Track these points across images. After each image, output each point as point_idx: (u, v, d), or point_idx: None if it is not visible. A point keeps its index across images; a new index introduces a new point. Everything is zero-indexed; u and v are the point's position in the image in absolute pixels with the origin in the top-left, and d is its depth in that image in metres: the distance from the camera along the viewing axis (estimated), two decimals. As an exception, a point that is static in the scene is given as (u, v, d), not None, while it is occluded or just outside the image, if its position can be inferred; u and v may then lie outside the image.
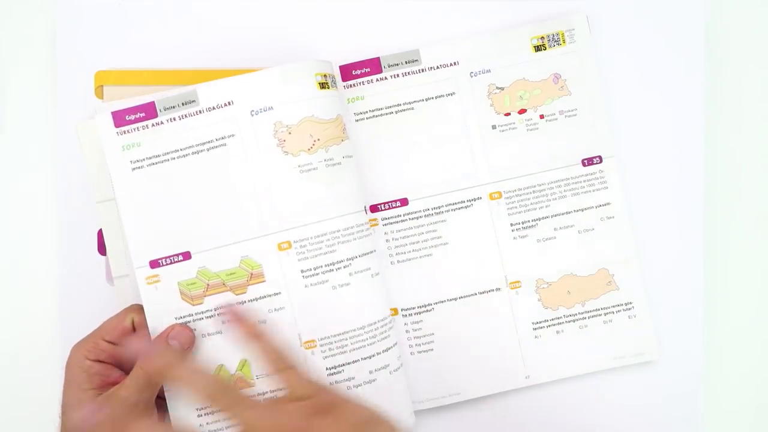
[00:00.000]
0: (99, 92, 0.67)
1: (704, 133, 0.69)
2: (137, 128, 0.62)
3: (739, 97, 0.71)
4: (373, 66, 0.67)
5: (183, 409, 0.62)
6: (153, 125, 0.62)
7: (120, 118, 0.62)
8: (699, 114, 0.68)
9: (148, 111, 0.62)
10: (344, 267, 0.62)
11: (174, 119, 0.62)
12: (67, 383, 0.59)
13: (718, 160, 0.70)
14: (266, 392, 0.62)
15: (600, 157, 0.67)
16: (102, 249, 0.66)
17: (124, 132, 0.62)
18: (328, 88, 0.63)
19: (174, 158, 0.62)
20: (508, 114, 0.67)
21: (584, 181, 0.67)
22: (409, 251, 0.67)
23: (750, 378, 0.71)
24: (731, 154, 0.71)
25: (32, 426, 0.67)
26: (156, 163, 0.62)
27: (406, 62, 0.67)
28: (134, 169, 0.62)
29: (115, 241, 0.64)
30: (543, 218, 0.67)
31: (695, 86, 0.68)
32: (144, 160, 0.62)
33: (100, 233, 0.66)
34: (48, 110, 0.68)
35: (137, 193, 0.62)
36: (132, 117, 0.62)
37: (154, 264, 0.62)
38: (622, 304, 0.68)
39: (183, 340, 0.60)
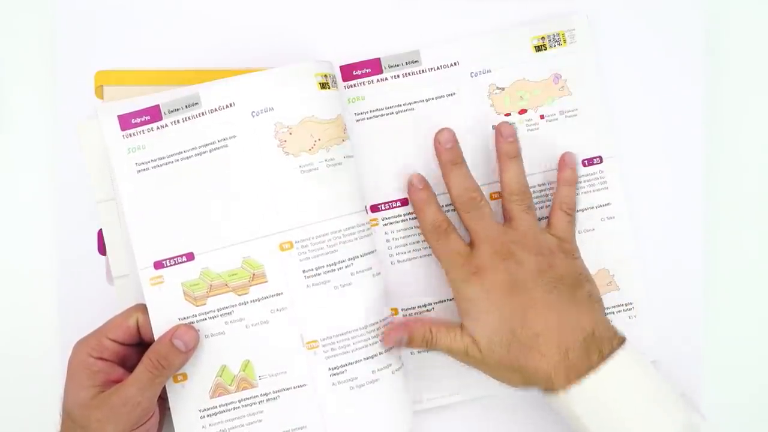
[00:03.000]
0: (99, 92, 0.67)
1: (704, 133, 0.69)
2: (142, 131, 0.62)
3: (740, 96, 0.71)
4: (374, 66, 0.67)
5: (185, 410, 0.62)
6: (157, 128, 0.62)
7: (126, 122, 0.62)
8: (699, 114, 0.69)
9: (153, 114, 0.62)
10: (346, 267, 0.62)
11: (178, 121, 0.62)
12: (69, 380, 0.59)
13: (718, 160, 0.70)
14: (269, 393, 0.62)
15: (600, 158, 0.67)
16: (102, 249, 0.66)
17: (130, 135, 0.62)
18: (329, 88, 0.63)
19: (178, 160, 0.62)
20: (508, 114, 0.67)
21: (585, 182, 0.67)
22: (409, 251, 0.67)
23: (750, 378, 0.71)
24: (731, 154, 0.71)
25: (32, 425, 0.67)
26: (160, 165, 0.62)
27: (406, 63, 0.67)
28: (139, 171, 0.62)
29: (115, 241, 0.64)
30: (543, 218, 0.67)
31: (695, 86, 0.69)
32: (149, 162, 0.62)
33: (100, 233, 0.66)
34: (48, 110, 0.68)
35: (142, 195, 0.62)
36: (138, 120, 0.62)
37: (159, 265, 0.62)
38: (622, 304, 0.68)
39: (187, 339, 0.60)
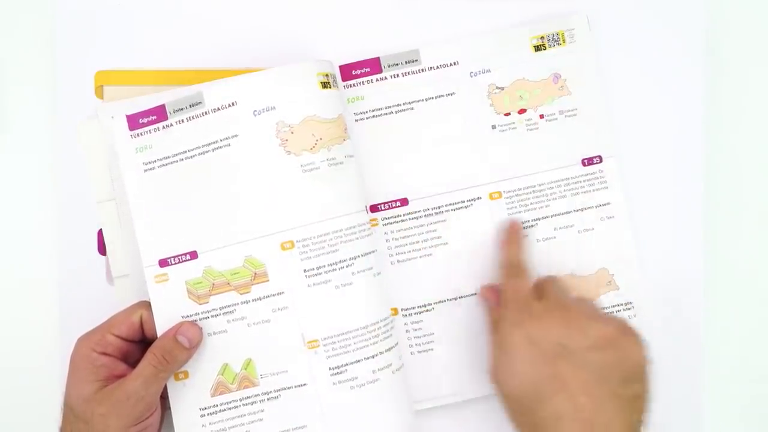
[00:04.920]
0: (99, 92, 0.67)
1: (704, 133, 0.69)
2: (149, 131, 0.63)
3: (740, 96, 0.71)
4: (373, 66, 0.67)
5: (185, 408, 0.62)
6: (163, 127, 0.62)
7: (134, 121, 0.63)
8: (699, 114, 0.69)
9: (159, 113, 0.62)
10: (347, 266, 0.62)
11: (182, 121, 0.62)
12: (71, 375, 0.59)
13: (718, 159, 0.70)
14: (270, 392, 0.62)
15: (600, 157, 0.67)
16: (102, 249, 0.66)
17: (138, 135, 0.63)
18: (330, 87, 0.63)
19: (182, 159, 0.62)
20: (508, 114, 0.67)
21: (584, 181, 0.67)
22: (409, 251, 0.67)
23: (750, 378, 0.71)
24: (731, 154, 0.71)
25: (33, 425, 0.67)
26: (165, 164, 0.62)
27: (406, 62, 0.67)
28: (146, 170, 0.62)
29: (115, 241, 0.64)
30: (543, 218, 0.67)
31: (695, 86, 0.69)
32: (155, 161, 0.62)
33: (100, 233, 0.66)
34: (48, 110, 0.68)
35: (148, 194, 0.62)
36: (145, 120, 0.63)
37: (164, 263, 0.62)
38: (622, 304, 0.68)
39: (191, 336, 0.60)
